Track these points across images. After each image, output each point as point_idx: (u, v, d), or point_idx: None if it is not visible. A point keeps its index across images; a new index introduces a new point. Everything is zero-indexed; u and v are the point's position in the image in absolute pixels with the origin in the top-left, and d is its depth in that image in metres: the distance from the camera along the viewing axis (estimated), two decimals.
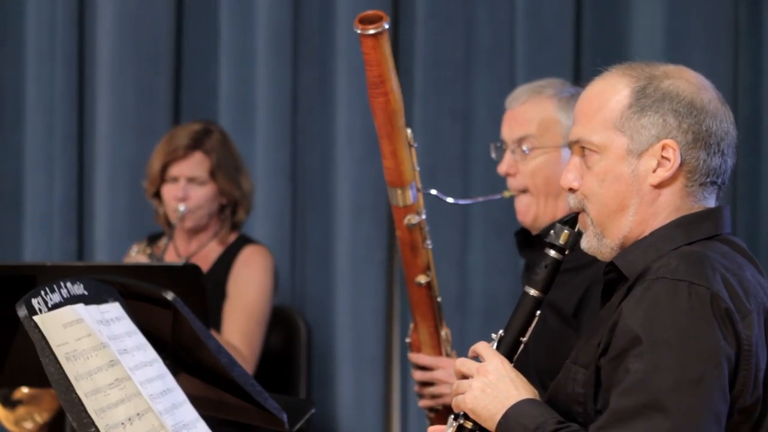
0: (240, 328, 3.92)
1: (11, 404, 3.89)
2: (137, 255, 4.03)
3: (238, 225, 4.08)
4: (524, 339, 2.32)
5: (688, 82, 2.22)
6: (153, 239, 4.12)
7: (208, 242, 4.04)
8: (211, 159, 3.99)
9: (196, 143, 3.99)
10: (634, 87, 2.22)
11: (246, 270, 3.99)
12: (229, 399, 2.58)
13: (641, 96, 2.21)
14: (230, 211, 4.05)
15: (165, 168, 3.98)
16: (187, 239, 4.06)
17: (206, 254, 4.03)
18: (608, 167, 2.22)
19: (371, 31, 2.68)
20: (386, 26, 2.68)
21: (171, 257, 4.03)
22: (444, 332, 3.15)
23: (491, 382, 2.23)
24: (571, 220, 2.31)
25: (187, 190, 3.96)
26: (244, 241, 4.06)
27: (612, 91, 2.23)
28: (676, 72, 2.24)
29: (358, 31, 2.68)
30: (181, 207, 3.95)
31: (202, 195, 3.98)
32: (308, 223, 4.49)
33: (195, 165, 3.98)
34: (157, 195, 4.03)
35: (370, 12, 2.71)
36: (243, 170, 4.07)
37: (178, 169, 3.97)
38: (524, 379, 2.26)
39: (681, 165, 2.19)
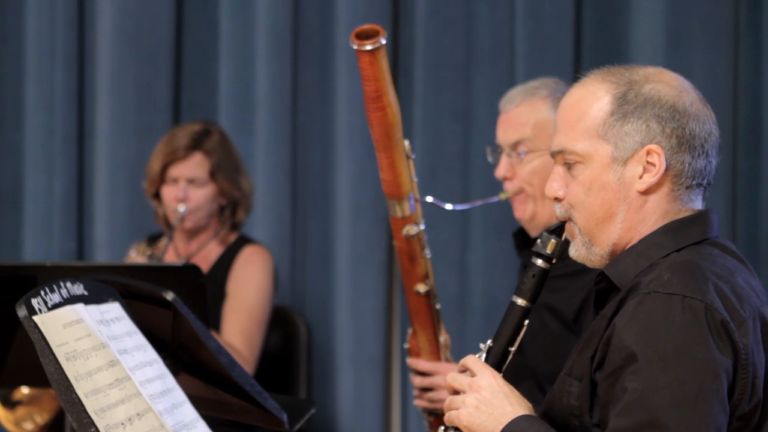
0: (240, 329, 3.92)
1: (11, 405, 3.89)
2: (137, 257, 4.03)
3: (238, 225, 4.08)
4: (513, 349, 2.32)
5: (669, 86, 2.21)
6: (152, 240, 4.12)
7: (208, 242, 4.04)
8: (211, 160, 3.98)
9: (196, 144, 3.98)
10: (614, 93, 2.20)
11: (246, 270, 3.99)
12: (229, 399, 2.58)
13: (623, 102, 2.19)
14: (230, 212, 4.04)
15: (165, 169, 3.98)
16: (187, 240, 4.05)
17: (206, 254, 4.03)
18: (594, 176, 2.21)
19: (368, 47, 2.67)
20: (383, 41, 2.67)
21: (171, 258, 4.03)
22: (443, 338, 3.15)
23: (485, 399, 2.22)
24: (557, 229, 2.31)
25: (187, 191, 3.96)
26: (243, 241, 4.06)
27: (592, 98, 2.22)
28: (656, 75, 2.23)
29: (355, 47, 2.67)
30: (181, 208, 3.94)
31: (202, 196, 3.98)
32: (308, 222, 4.49)
33: (195, 166, 3.98)
34: (157, 196, 4.03)
35: (366, 26, 2.70)
36: (242, 170, 4.06)
37: (177, 170, 3.97)
38: (517, 393, 2.25)
39: (667, 169, 2.19)
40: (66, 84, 4.53)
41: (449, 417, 2.25)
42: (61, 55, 4.52)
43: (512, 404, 2.21)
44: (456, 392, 2.27)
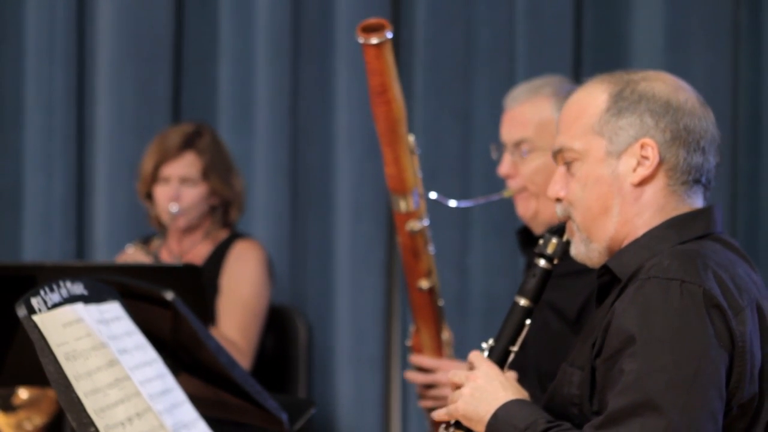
0: (236, 322, 3.92)
1: (10, 409, 3.89)
2: (135, 252, 4.02)
3: (231, 225, 4.07)
4: (514, 348, 2.35)
5: (664, 83, 2.25)
6: (146, 240, 4.12)
7: (200, 242, 4.03)
8: (203, 159, 3.98)
9: (188, 143, 3.99)
10: (611, 91, 2.25)
11: (239, 265, 3.98)
12: (229, 399, 2.58)
13: (618, 99, 2.24)
14: (222, 211, 4.04)
15: (157, 168, 3.98)
16: (179, 239, 4.05)
17: (197, 252, 4.02)
18: (589, 171, 2.24)
19: (374, 41, 2.66)
20: (389, 35, 2.67)
21: (165, 258, 4.03)
22: (446, 336, 3.15)
23: (480, 386, 2.24)
24: (559, 230, 2.34)
25: (180, 190, 3.96)
26: (234, 236, 4.05)
27: (590, 98, 2.27)
28: (653, 75, 2.28)
29: (361, 41, 2.67)
30: (173, 207, 3.94)
31: (194, 195, 3.98)
32: (308, 222, 4.49)
33: (187, 165, 3.98)
34: (150, 197, 4.03)
35: (372, 20, 2.69)
36: (235, 170, 4.07)
37: (170, 169, 3.97)
38: (515, 383, 2.27)
39: (661, 163, 2.22)
40: (66, 84, 4.53)
41: (448, 410, 2.27)
42: (61, 54, 4.52)
43: (506, 389, 2.23)
44: (458, 388, 2.29)
